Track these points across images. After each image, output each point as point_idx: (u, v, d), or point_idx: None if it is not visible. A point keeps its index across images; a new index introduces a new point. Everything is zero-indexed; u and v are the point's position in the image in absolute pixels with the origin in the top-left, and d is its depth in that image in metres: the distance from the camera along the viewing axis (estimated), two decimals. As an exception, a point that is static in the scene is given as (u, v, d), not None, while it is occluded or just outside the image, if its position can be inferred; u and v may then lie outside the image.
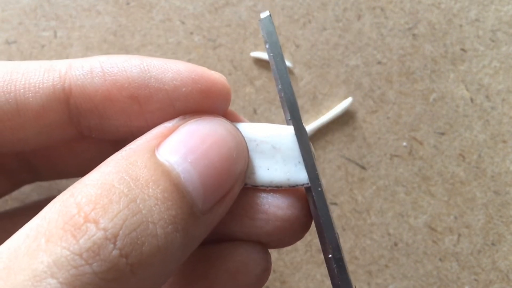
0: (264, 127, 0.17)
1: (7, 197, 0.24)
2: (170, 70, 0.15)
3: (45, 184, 0.25)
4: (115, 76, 0.15)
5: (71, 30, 0.27)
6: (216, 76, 0.16)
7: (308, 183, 0.16)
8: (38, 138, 0.16)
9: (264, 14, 0.16)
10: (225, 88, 0.16)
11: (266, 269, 0.17)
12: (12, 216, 0.20)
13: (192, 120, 0.15)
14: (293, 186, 0.16)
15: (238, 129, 0.16)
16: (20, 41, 0.26)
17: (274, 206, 0.16)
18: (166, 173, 0.13)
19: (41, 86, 0.15)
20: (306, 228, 0.17)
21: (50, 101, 0.15)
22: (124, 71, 0.15)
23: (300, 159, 0.16)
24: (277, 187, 0.16)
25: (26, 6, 0.26)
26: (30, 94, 0.15)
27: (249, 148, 0.16)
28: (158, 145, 0.14)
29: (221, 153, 0.14)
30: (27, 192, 0.25)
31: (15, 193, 0.25)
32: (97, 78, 0.15)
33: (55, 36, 0.26)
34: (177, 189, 0.13)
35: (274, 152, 0.16)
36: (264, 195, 0.16)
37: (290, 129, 0.16)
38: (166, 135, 0.14)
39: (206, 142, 0.14)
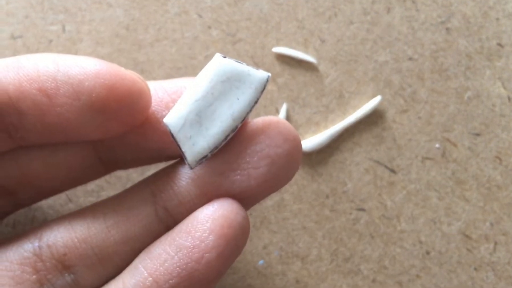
0: (197, 81, 0.16)
1: None
2: (77, 65, 0.16)
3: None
4: (27, 70, 0.16)
5: (81, 24, 0.25)
6: (125, 72, 0.16)
7: (269, 76, 0.16)
8: None
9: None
10: (136, 85, 0.16)
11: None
12: None
13: None
14: (263, 90, 0.16)
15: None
16: (26, 36, 0.25)
17: (273, 147, 0.16)
18: None
19: None
20: (301, 155, 0.17)
21: None
22: (35, 65, 0.16)
23: (245, 68, 0.16)
24: (255, 102, 0.16)
25: (32, -1, 0.25)
26: None
27: (210, 98, 0.16)
28: None
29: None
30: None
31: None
32: (12, 72, 0.16)
33: (64, 30, 0.25)
34: None
35: (230, 84, 0.16)
36: (262, 137, 0.17)
37: (217, 57, 0.16)
38: None
39: None
